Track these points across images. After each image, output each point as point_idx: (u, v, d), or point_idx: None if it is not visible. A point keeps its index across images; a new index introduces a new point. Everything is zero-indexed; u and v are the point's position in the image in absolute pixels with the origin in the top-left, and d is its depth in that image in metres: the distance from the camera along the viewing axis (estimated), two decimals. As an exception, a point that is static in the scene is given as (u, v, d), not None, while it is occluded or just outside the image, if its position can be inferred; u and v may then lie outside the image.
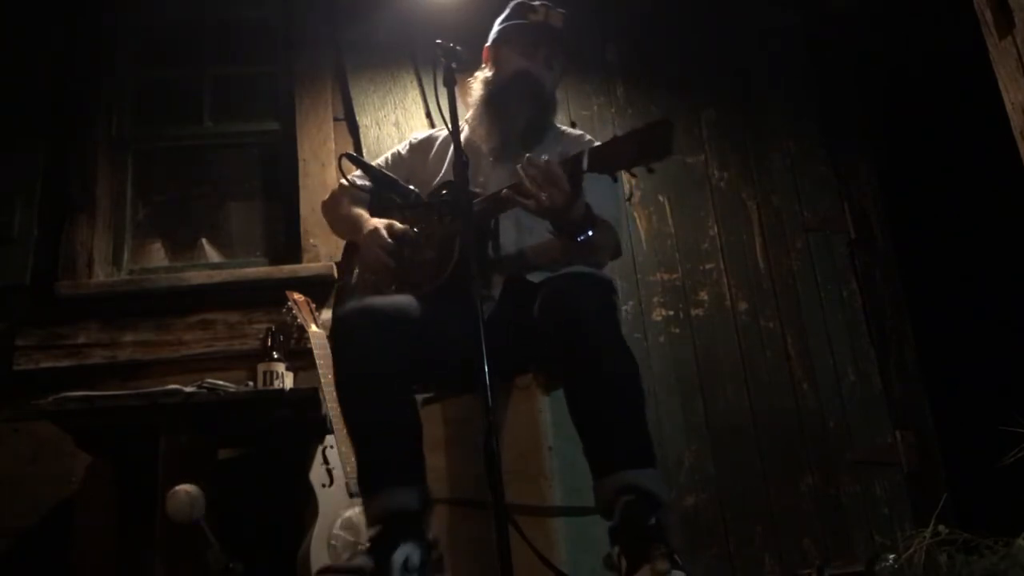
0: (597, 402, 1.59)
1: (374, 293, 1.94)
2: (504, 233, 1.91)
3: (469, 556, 1.77)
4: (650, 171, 1.54)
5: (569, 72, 3.27)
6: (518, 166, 1.68)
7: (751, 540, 2.82)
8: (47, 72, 3.11)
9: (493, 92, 2.03)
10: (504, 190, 1.75)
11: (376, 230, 1.93)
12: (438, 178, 2.02)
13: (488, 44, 2.11)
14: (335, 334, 1.76)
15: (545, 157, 1.64)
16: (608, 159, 1.58)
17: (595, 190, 1.75)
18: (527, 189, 1.64)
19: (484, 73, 2.07)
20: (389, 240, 1.90)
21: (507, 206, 1.77)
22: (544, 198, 1.63)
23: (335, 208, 2.18)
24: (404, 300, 1.79)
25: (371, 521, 1.62)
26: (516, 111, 2.00)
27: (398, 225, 1.93)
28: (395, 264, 1.90)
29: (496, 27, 2.09)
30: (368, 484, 1.66)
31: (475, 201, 1.76)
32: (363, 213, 2.05)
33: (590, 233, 1.73)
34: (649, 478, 1.53)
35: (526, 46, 2.02)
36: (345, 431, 1.86)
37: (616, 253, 2.01)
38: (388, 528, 1.57)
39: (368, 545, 1.57)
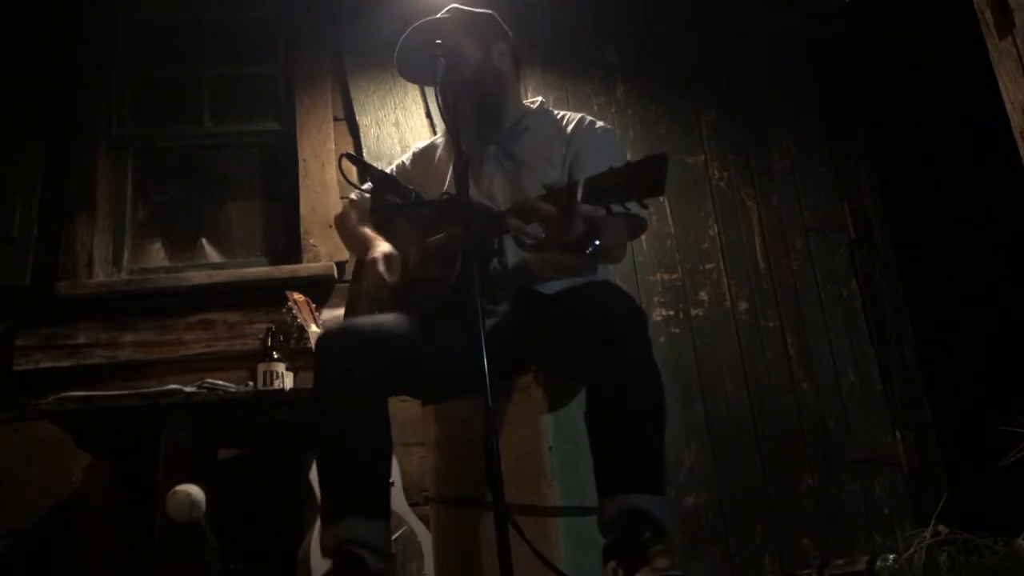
0: (621, 419, 1.57)
1: (381, 305, 1.94)
2: (508, 245, 1.88)
3: (469, 556, 1.77)
4: (643, 207, 1.50)
5: (569, 72, 3.31)
6: (508, 218, 1.66)
7: (751, 540, 2.82)
8: (47, 72, 3.10)
9: (437, 102, 1.82)
10: (499, 214, 1.76)
11: (375, 262, 1.87)
12: (444, 186, 1.99)
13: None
14: (316, 352, 1.71)
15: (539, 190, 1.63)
16: (603, 191, 1.53)
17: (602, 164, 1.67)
18: (518, 224, 1.64)
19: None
20: (387, 275, 1.85)
21: (504, 231, 1.76)
22: (529, 241, 1.63)
23: (344, 224, 2.18)
24: (389, 321, 1.75)
25: (325, 552, 1.56)
26: (459, 103, 1.86)
27: (395, 256, 1.88)
28: (395, 290, 1.87)
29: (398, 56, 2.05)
30: (327, 512, 1.59)
31: (478, 215, 1.73)
32: (371, 235, 2.02)
33: (596, 243, 1.72)
34: (657, 505, 1.52)
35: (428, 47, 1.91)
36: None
37: (638, 231, 1.97)
38: (343, 561, 1.52)
39: None
